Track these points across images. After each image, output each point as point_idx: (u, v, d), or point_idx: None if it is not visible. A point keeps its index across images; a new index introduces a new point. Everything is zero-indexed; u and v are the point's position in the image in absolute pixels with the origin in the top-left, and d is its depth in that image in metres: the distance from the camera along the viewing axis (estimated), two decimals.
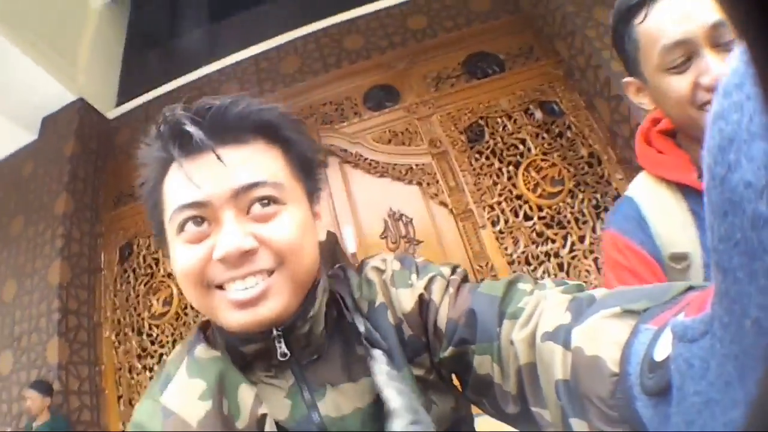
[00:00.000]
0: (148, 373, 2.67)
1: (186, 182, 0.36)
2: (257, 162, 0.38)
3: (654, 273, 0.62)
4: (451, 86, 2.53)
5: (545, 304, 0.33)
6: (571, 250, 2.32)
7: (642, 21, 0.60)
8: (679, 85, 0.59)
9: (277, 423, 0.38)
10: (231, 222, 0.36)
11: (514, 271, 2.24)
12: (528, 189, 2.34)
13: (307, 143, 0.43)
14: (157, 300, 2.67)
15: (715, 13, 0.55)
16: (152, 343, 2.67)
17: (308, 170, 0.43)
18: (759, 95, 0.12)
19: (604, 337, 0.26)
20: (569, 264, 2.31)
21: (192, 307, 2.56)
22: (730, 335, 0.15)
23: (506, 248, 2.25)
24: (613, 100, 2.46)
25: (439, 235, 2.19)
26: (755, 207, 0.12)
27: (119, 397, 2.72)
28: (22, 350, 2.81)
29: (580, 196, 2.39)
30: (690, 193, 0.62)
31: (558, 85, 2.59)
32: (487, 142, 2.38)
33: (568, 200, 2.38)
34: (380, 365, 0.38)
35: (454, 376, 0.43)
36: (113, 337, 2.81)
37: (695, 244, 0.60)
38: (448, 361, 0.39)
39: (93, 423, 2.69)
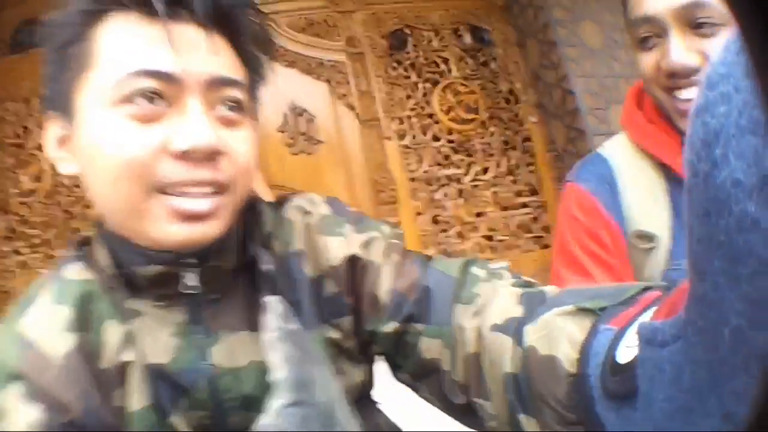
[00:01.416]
0: (16, 256, 2.44)
1: (154, 44, 0.31)
2: (232, 59, 0.34)
3: (616, 242, 0.58)
4: None
5: (496, 294, 0.31)
6: (474, 179, 2.38)
7: None
8: (645, 62, 0.55)
9: (156, 365, 0.33)
10: (199, 111, 0.31)
11: (415, 189, 2.26)
12: (441, 110, 2.32)
13: (265, 60, 0.39)
14: (27, 175, 2.38)
15: None
16: (22, 223, 2.42)
17: (257, 90, 0.39)
18: (752, 86, 0.11)
19: (559, 336, 0.25)
20: (469, 192, 2.38)
21: (65, 185, 2.32)
22: (704, 342, 0.14)
23: (409, 164, 2.25)
24: (546, 45, 2.45)
25: (341, 139, 2.11)
26: (743, 207, 0.12)
27: None
28: None
29: (492, 129, 2.43)
30: (673, 176, 0.57)
31: (494, 15, 2.52)
32: (408, 53, 2.28)
33: (479, 130, 2.41)
34: (274, 317, 0.34)
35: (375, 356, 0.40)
36: None
37: (665, 229, 0.56)
38: (386, 338, 0.36)
39: None
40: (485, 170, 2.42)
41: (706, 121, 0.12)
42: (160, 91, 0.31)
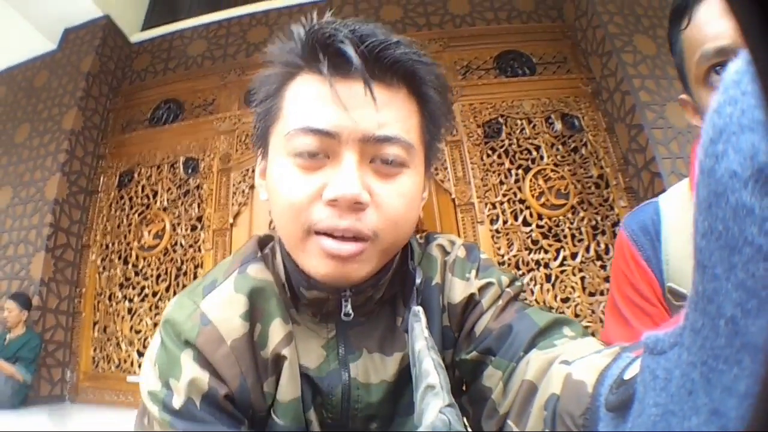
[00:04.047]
0: (127, 302, 2.69)
1: (320, 102, 0.33)
2: (396, 111, 0.35)
3: (656, 294, 0.55)
4: (479, 78, 2.52)
5: (577, 345, 0.33)
6: (562, 264, 2.35)
7: (685, 26, 0.50)
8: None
9: (304, 367, 0.38)
10: (352, 165, 0.33)
11: None
12: (532, 195, 2.35)
13: (445, 106, 0.39)
14: (149, 232, 2.68)
15: None
16: (136, 273, 2.69)
17: (435, 136, 0.39)
18: (758, 90, 0.12)
19: (592, 366, 0.26)
20: (557, 277, 2.33)
21: (182, 245, 2.58)
22: (700, 340, 0.15)
23: (499, 248, 2.27)
24: (634, 128, 2.46)
25: (440, 221, 2.20)
26: (739, 196, 0.12)
27: (95, 323, 2.75)
28: (7, 260, 2.83)
29: (582, 214, 2.41)
30: None
31: (583, 101, 2.58)
32: (503, 140, 2.38)
33: (569, 215, 2.39)
34: (421, 326, 0.37)
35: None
36: (99, 262, 2.82)
37: None
38: (466, 364, 0.39)
39: (65, 344, 2.72)
40: (574, 255, 2.38)
41: (715, 121, 0.13)
42: (320, 145, 0.33)
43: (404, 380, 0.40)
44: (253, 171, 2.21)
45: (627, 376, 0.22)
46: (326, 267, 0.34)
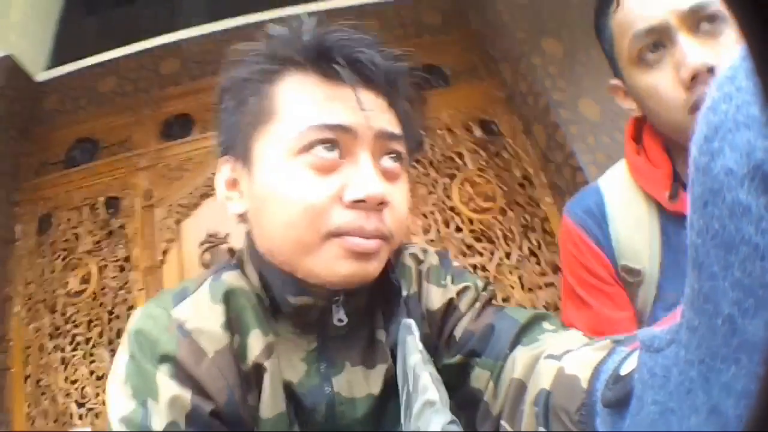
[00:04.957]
0: (59, 353, 2.54)
1: (330, 102, 0.34)
2: (394, 116, 0.37)
3: (610, 273, 0.57)
4: None
5: (560, 339, 0.33)
6: (498, 265, 2.44)
7: (615, 9, 0.53)
8: (656, 83, 0.49)
9: (287, 381, 0.36)
10: (369, 163, 0.34)
11: None
12: (461, 202, 2.43)
13: (418, 124, 0.42)
14: (75, 277, 2.54)
15: None
16: (66, 322, 2.53)
17: (409, 145, 0.41)
18: (753, 86, 0.12)
19: (586, 360, 0.27)
20: (495, 278, 2.42)
21: (112, 288, 2.46)
22: (697, 339, 0.14)
23: None
24: (551, 127, 2.59)
25: None
26: (735, 195, 0.12)
27: (27, 377, 2.56)
28: None
29: (510, 214, 2.52)
30: (666, 210, 0.54)
31: (499, 107, 2.70)
32: (426, 152, 2.45)
33: (499, 217, 2.50)
34: (415, 340, 0.36)
35: None
36: (24, 313, 2.63)
37: (654, 263, 0.55)
38: (450, 369, 0.39)
39: None
40: (508, 255, 2.48)
41: (710, 118, 0.13)
42: (337, 141, 0.34)
43: (389, 394, 0.39)
44: (179, 205, 2.13)
45: (623, 371, 0.22)
46: (348, 267, 0.34)
